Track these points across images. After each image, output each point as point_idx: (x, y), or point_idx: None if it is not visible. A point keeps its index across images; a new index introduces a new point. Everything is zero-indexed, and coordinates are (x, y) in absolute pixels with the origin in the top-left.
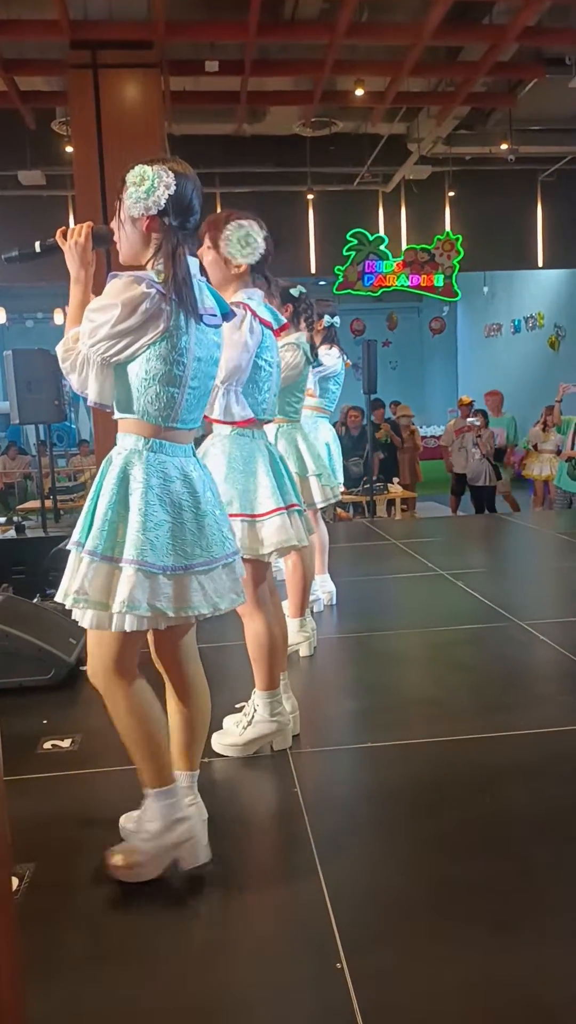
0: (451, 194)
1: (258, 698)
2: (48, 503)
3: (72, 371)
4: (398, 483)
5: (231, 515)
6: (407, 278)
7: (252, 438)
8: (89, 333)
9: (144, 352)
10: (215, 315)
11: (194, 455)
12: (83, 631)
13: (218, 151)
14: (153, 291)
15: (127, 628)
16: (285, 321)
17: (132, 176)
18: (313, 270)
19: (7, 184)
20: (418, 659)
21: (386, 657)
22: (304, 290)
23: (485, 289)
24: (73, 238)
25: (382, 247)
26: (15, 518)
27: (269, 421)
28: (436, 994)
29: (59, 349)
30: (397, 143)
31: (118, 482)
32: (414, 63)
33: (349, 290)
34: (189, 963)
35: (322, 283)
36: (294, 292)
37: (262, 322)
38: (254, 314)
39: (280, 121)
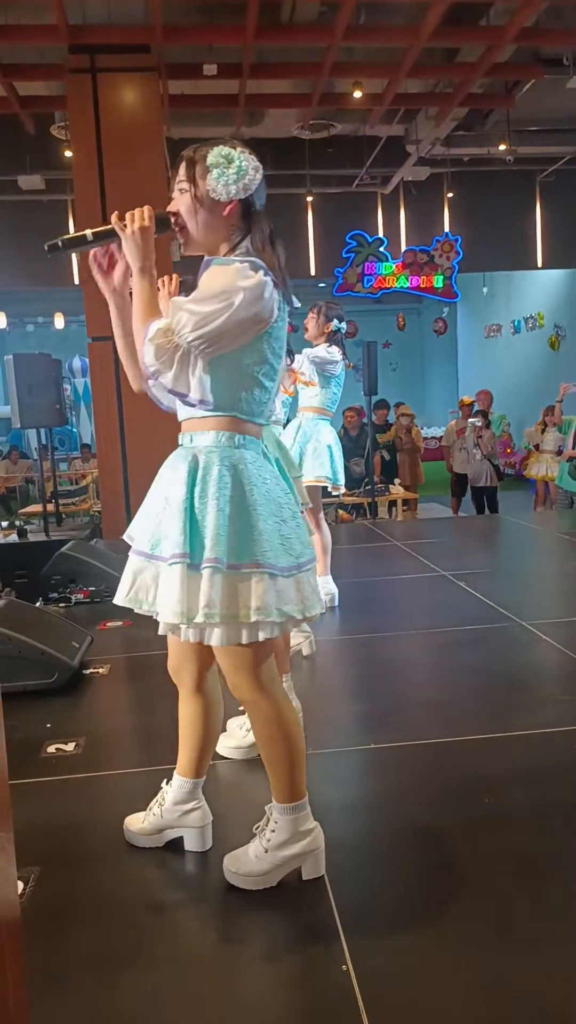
0: (450, 195)
1: None
2: (50, 507)
3: (167, 368)
4: (399, 484)
5: None
6: (406, 279)
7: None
8: (193, 325)
9: (251, 344)
10: (291, 305)
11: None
12: (85, 634)
13: None
14: (269, 279)
15: (261, 637)
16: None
17: (214, 156)
18: (312, 272)
19: (6, 189)
20: (420, 660)
21: (388, 658)
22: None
23: (484, 290)
24: (135, 224)
25: (381, 249)
26: (17, 522)
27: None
28: (442, 996)
29: (148, 346)
30: (395, 145)
31: (219, 483)
32: (412, 65)
33: (349, 292)
34: (193, 966)
35: (321, 285)
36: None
37: None
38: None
39: (278, 124)
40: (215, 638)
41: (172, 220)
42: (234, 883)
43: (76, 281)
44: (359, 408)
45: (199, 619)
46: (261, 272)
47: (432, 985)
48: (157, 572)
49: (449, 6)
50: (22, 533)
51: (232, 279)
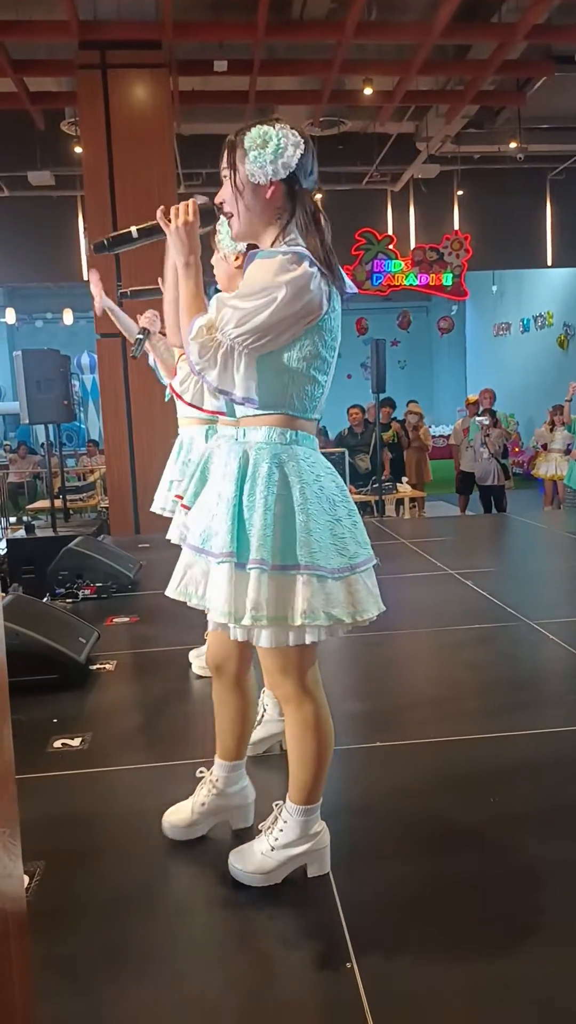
0: (460, 193)
1: (268, 697)
2: (58, 503)
3: (211, 366)
4: (407, 482)
5: None
6: (416, 277)
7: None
8: (237, 322)
9: (300, 339)
10: (346, 292)
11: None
12: (92, 630)
13: None
14: (315, 269)
15: (307, 641)
16: None
17: (251, 138)
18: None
19: (17, 184)
20: (427, 659)
21: (395, 657)
22: None
23: (494, 288)
24: (180, 218)
25: (390, 246)
26: (25, 518)
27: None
28: (447, 994)
29: (192, 344)
30: (406, 142)
31: (267, 481)
32: (423, 62)
33: (357, 290)
34: (198, 962)
35: None
36: None
37: None
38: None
39: (288, 120)
40: (263, 639)
41: (218, 210)
42: (240, 880)
43: (85, 277)
44: (366, 406)
45: (246, 621)
46: (307, 263)
47: (437, 983)
48: (207, 568)
49: (460, 3)
50: (30, 528)
51: (273, 273)
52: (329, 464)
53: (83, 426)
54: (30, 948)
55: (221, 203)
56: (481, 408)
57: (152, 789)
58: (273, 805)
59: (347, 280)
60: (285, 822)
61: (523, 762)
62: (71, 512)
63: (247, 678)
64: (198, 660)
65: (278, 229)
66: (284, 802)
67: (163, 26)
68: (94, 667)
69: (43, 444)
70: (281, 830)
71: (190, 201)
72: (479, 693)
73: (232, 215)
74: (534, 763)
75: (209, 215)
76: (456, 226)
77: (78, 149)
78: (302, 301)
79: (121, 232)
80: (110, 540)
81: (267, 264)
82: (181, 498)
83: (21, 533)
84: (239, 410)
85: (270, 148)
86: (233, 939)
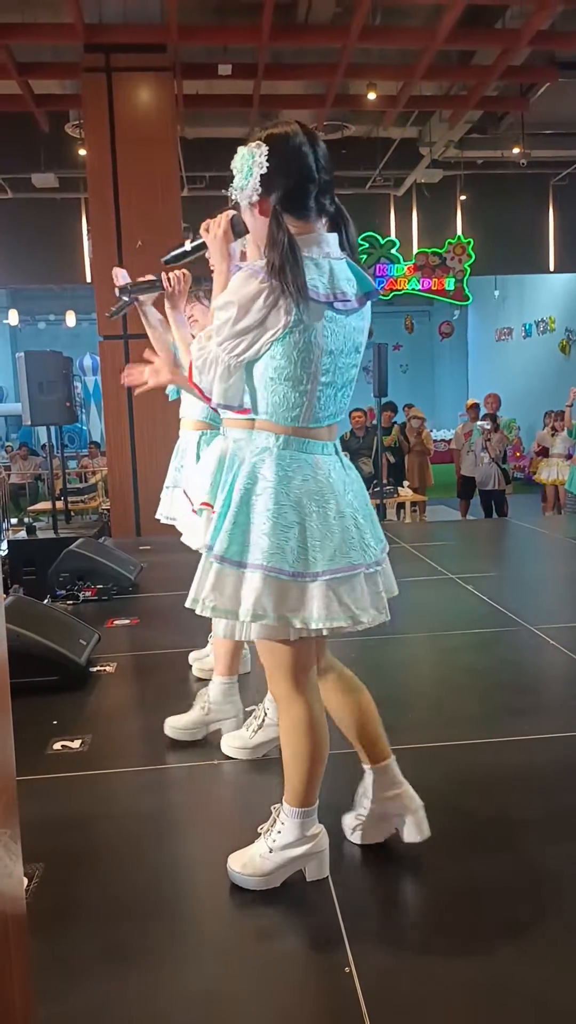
0: (463, 198)
1: (268, 701)
2: (59, 504)
3: (201, 372)
4: (408, 486)
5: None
6: (418, 282)
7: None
8: (216, 331)
9: (268, 350)
10: (347, 300)
11: (337, 453)
12: (92, 632)
13: (230, 155)
14: (270, 283)
15: (253, 637)
16: None
17: (234, 163)
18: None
19: (20, 187)
20: (427, 663)
21: (395, 661)
22: None
23: (496, 293)
24: (213, 231)
25: (393, 251)
26: (26, 519)
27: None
28: (445, 998)
29: (193, 348)
30: (409, 147)
31: (246, 483)
32: (427, 67)
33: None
34: (197, 964)
35: None
36: None
37: None
38: None
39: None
40: (219, 628)
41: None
42: (238, 883)
43: (88, 279)
44: (367, 410)
45: (198, 609)
46: (260, 278)
47: (435, 987)
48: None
49: (465, 8)
50: (31, 530)
51: (234, 288)
52: (326, 470)
53: (85, 428)
54: (29, 948)
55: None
56: (483, 412)
57: (151, 791)
58: (271, 808)
59: (353, 285)
60: (283, 824)
61: (523, 767)
62: (72, 514)
63: (332, 680)
64: (198, 663)
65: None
66: (282, 804)
67: (168, 29)
68: (94, 669)
69: (44, 445)
70: (279, 832)
71: (223, 215)
72: (479, 698)
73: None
74: (534, 768)
75: (240, 229)
76: (459, 231)
77: (82, 152)
78: (252, 314)
79: (178, 251)
80: (111, 542)
81: (235, 278)
82: (210, 506)
83: (22, 534)
84: (252, 416)
85: (243, 173)
86: (231, 941)
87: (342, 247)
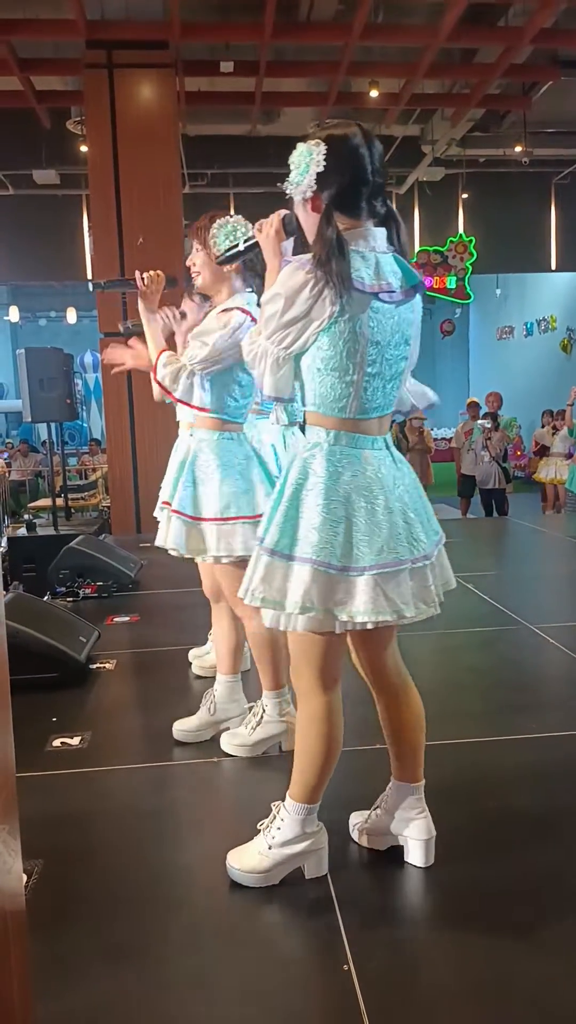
0: (465, 196)
1: (266, 698)
2: (59, 501)
3: (253, 365)
4: None
5: (230, 519)
6: None
7: (239, 441)
8: (264, 324)
9: (315, 340)
10: (392, 291)
11: (388, 448)
12: (92, 629)
13: (232, 152)
14: (314, 276)
15: (299, 629)
16: None
17: (291, 158)
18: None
19: (22, 183)
20: (427, 662)
21: None
22: None
23: (498, 291)
24: (265, 230)
25: None
26: (26, 516)
27: (243, 424)
28: (443, 997)
29: (244, 343)
30: (411, 145)
31: (298, 478)
32: (429, 65)
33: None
34: (195, 961)
35: None
36: None
37: None
38: (255, 322)
39: (294, 122)
40: (266, 619)
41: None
42: (236, 880)
43: (89, 276)
44: None
45: (247, 599)
46: (305, 270)
47: (433, 986)
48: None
49: (467, 6)
50: (31, 527)
51: (281, 281)
52: (375, 465)
53: (85, 425)
54: (28, 946)
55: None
56: (484, 411)
57: (151, 788)
58: (272, 805)
59: (398, 278)
60: (283, 820)
61: (523, 766)
62: (72, 511)
63: (389, 681)
64: (198, 660)
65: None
66: (284, 800)
67: (170, 26)
68: (94, 666)
69: (44, 442)
70: (279, 828)
71: (275, 215)
72: (479, 696)
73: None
74: (534, 767)
75: (292, 227)
76: (460, 229)
77: (84, 148)
78: (298, 306)
79: (232, 251)
80: (111, 539)
81: (283, 272)
82: (168, 503)
83: (23, 531)
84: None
85: (299, 170)
86: (230, 939)
87: (390, 243)
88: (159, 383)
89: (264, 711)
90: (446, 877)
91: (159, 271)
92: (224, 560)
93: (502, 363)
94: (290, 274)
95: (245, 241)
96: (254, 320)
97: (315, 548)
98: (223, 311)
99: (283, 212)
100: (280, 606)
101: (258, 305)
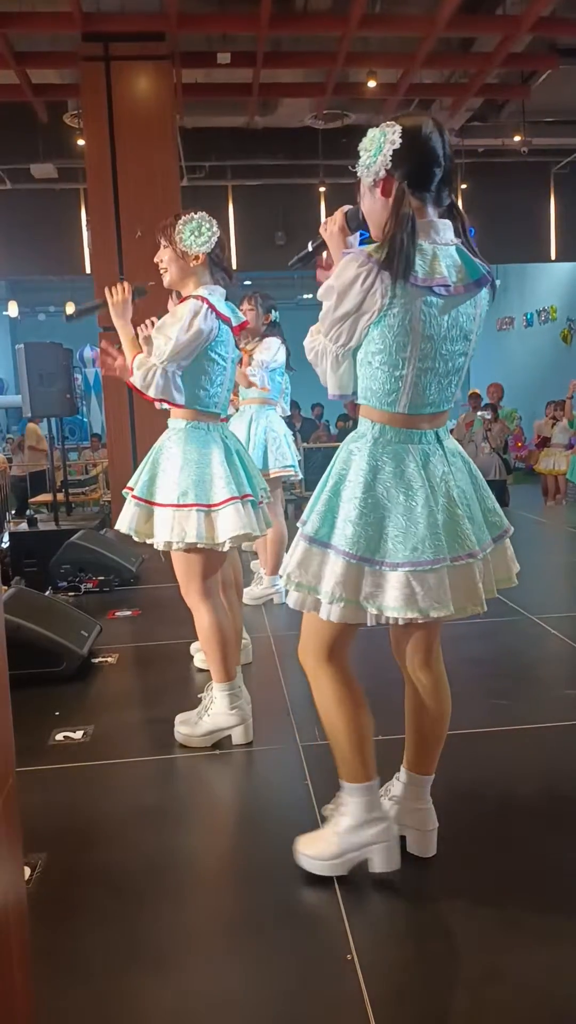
0: (463, 186)
1: (215, 690)
2: (60, 496)
3: (315, 363)
4: None
5: (185, 505)
6: None
7: (208, 431)
8: (321, 320)
9: (367, 334)
10: (447, 285)
11: (439, 442)
12: (94, 624)
13: (230, 144)
14: (368, 267)
15: (332, 619)
16: (244, 319)
17: (364, 143)
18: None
19: (19, 177)
20: None
21: None
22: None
23: (497, 282)
24: (329, 228)
25: None
26: (27, 511)
27: (220, 415)
28: (446, 986)
29: (305, 342)
30: None
31: (341, 468)
32: (427, 54)
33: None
34: (199, 953)
35: None
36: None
37: (220, 317)
38: (212, 307)
39: (292, 113)
40: (290, 600)
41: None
42: (304, 866)
43: (88, 271)
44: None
45: (282, 581)
46: (358, 262)
47: (437, 976)
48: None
49: None
50: (32, 522)
51: (336, 274)
52: (424, 460)
53: (85, 420)
54: (30, 940)
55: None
56: (484, 402)
57: (153, 782)
58: (338, 793)
59: (469, 271)
60: (345, 805)
61: (524, 756)
62: (73, 506)
63: (420, 675)
64: (200, 654)
65: (401, 225)
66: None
67: (167, 18)
68: (96, 660)
69: (45, 437)
70: (342, 815)
71: (339, 211)
72: (479, 688)
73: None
74: (534, 757)
75: (355, 219)
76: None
77: (81, 142)
78: (350, 299)
79: (304, 250)
80: (112, 534)
81: (339, 264)
82: (132, 489)
83: (24, 526)
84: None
85: (372, 150)
86: (234, 931)
87: (456, 235)
88: (133, 387)
89: (213, 702)
90: (448, 867)
91: (124, 282)
92: (176, 546)
93: (502, 354)
94: (343, 267)
95: (313, 242)
96: (211, 307)
97: (349, 541)
98: (184, 301)
99: (346, 208)
100: (314, 591)
101: (251, 297)
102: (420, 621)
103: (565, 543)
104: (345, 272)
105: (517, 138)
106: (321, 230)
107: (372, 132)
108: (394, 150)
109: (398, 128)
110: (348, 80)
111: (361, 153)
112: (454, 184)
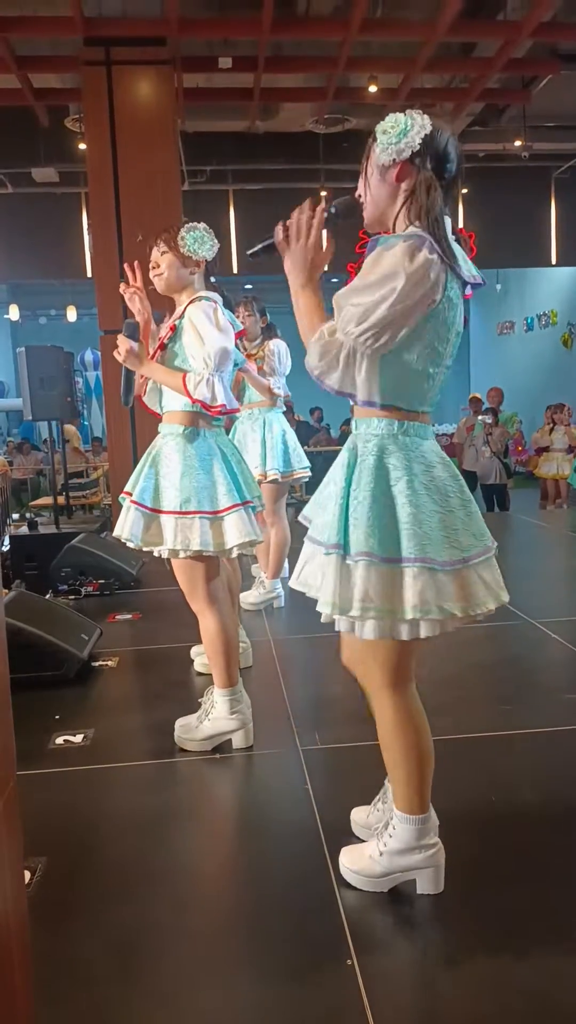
0: (464, 191)
1: (216, 695)
2: (60, 500)
3: (331, 369)
4: None
5: (189, 513)
6: None
7: (205, 437)
8: (357, 320)
9: (415, 331)
10: (478, 282)
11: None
12: (94, 627)
13: (231, 148)
14: (436, 256)
15: (423, 635)
16: (242, 327)
17: (384, 125)
18: (325, 267)
19: (20, 181)
20: (428, 657)
21: None
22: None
23: (498, 287)
24: (297, 218)
25: None
26: (27, 514)
27: (217, 420)
28: (446, 993)
29: (314, 349)
30: None
31: (375, 473)
32: (428, 59)
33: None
34: (199, 958)
35: (335, 280)
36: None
37: None
38: (218, 307)
39: (293, 118)
40: (367, 631)
41: (358, 203)
42: (347, 879)
43: (89, 274)
44: None
45: (355, 612)
46: (426, 249)
47: (437, 980)
48: (324, 560)
49: (465, 0)
50: (32, 525)
51: (394, 262)
52: (443, 455)
53: (86, 423)
54: (31, 943)
55: (358, 194)
56: (485, 406)
57: (154, 786)
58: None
59: (471, 268)
60: (395, 828)
61: (525, 761)
62: (74, 509)
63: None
64: (200, 657)
65: (398, 210)
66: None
67: (168, 22)
68: (96, 664)
69: (45, 440)
70: (391, 836)
71: (316, 208)
72: (480, 691)
73: (364, 202)
74: (535, 762)
75: (352, 211)
76: (460, 224)
77: (82, 146)
78: (420, 289)
79: (259, 242)
80: (113, 537)
81: (386, 255)
82: (129, 494)
83: (24, 530)
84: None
85: (397, 130)
86: (234, 936)
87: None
88: (204, 404)
89: (213, 707)
90: (450, 872)
91: (118, 336)
92: (181, 554)
93: (503, 358)
94: (405, 254)
95: (273, 236)
96: (217, 306)
97: (420, 546)
98: (193, 304)
99: (337, 200)
100: (392, 613)
101: (247, 300)
102: (492, 611)
103: (566, 547)
104: (411, 261)
105: (518, 143)
106: (292, 222)
107: (395, 116)
108: (426, 134)
109: (428, 120)
110: (349, 85)
111: (379, 135)
112: (455, 190)
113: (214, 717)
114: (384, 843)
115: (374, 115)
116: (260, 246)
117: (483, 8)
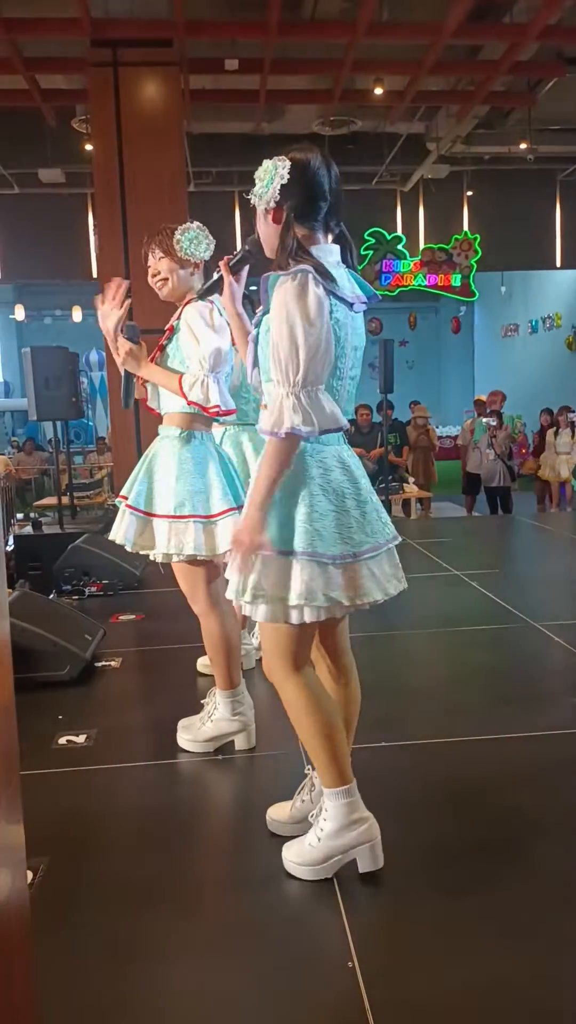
0: (469, 193)
1: (218, 697)
2: (65, 500)
3: (305, 420)
4: (413, 482)
5: (183, 516)
6: (424, 278)
7: (201, 440)
8: (292, 372)
9: None
10: (364, 302)
11: (346, 443)
12: (98, 627)
13: (236, 150)
14: (320, 287)
15: (306, 620)
16: None
17: (258, 172)
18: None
19: (27, 182)
20: (431, 659)
21: (399, 657)
22: None
23: (503, 289)
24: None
25: (400, 246)
26: (32, 514)
27: (213, 423)
28: (445, 994)
29: (276, 447)
30: (416, 142)
31: (290, 480)
32: (434, 62)
33: (375, 297)
34: (201, 959)
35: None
36: None
37: None
38: (214, 308)
39: (299, 120)
40: (259, 613)
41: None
42: (293, 873)
43: (95, 275)
44: (370, 407)
45: (247, 598)
46: (311, 281)
47: (437, 982)
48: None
49: (472, 3)
50: (37, 525)
51: (287, 306)
52: (347, 459)
53: (91, 423)
54: (34, 943)
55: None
56: (488, 409)
57: (156, 787)
58: (323, 798)
59: (356, 288)
60: (327, 810)
61: (526, 764)
62: (78, 509)
63: (335, 662)
64: (202, 658)
65: (284, 249)
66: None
67: (175, 24)
68: (100, 664)
69: (50, 440)
70: (325, 819)
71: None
72: (482, 694)
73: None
74: (537, 765)
75: (254, 246)
76: (465, 227)
77: (89, 147)
78: (320, 316)
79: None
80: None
81: (276, 302)
82: (125, 497)
83: (28, 530)
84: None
85: (265, 180)
86: (235, 937)
87: (344, 262)
88: (199, 406)
89: (216, 709)
90: (449, 874)
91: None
92: (175, 558)
93: (507, 361)
94: (295, 294)
95: (245, 246)
96: (210, 302)
97: (309, 541)
98: (189, 305)
99: (220, 273)
100: (281, 600)
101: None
102: (379, 601)
103: (570, 550)
104: (300, 296)
105: (523, 145)
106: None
107: (266, 163)
108: (282, 184)
109: (288, 163)
110: (355, 87)
111: (256, 182)
112: (341, 214)
113: (216, 719)
114: (321, 828)
115: (380, 117)
116: (236, 258)
117: (489, 11)
